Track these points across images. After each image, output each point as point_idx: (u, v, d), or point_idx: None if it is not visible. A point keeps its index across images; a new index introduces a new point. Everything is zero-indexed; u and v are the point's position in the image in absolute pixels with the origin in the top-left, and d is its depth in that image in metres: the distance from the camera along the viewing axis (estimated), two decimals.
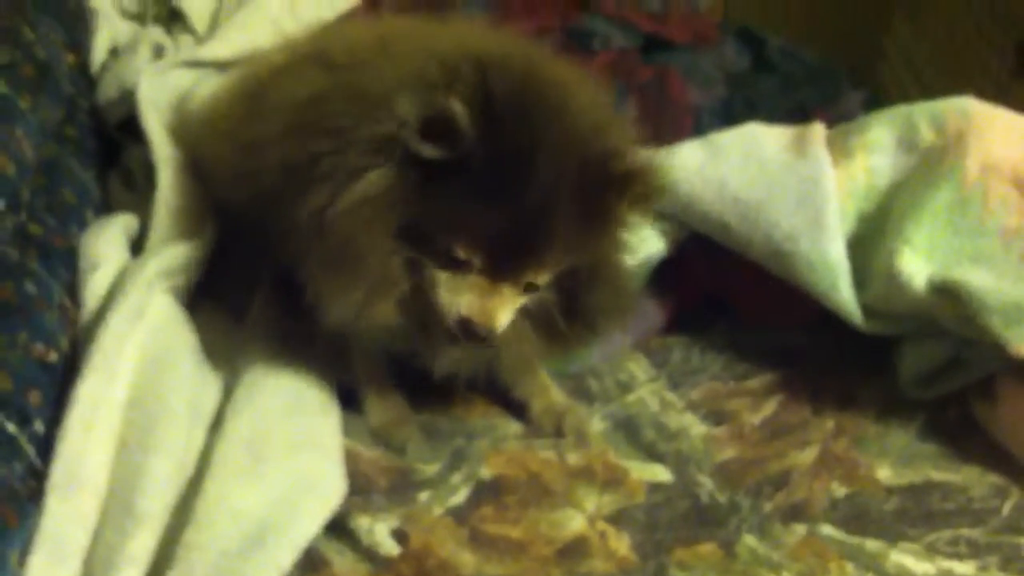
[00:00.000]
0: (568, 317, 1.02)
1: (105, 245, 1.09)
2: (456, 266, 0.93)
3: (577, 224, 0.93)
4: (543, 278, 0.97)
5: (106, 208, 1.24)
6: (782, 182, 1.20)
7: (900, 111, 1.23)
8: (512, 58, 0.94)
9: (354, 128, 0.90)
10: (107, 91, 1.38)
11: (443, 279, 0.94)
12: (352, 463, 1.02)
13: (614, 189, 0.95)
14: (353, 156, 0.90)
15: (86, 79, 1.39)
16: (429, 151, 0.88)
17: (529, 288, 0.97)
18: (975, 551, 0.99)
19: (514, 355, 1.04)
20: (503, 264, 0.93)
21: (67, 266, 1.06)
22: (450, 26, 1.08)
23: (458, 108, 0.86)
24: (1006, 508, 1.04)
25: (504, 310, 0.95)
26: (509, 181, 0.90)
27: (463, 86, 0.89)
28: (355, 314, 0.96)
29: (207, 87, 1.33)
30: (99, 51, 1.44)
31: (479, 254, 0.92)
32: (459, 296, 0.94)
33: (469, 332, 0.94)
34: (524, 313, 1.00)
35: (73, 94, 1.30)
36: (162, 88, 1.33)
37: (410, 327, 0.99)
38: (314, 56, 1.06)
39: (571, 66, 1.02)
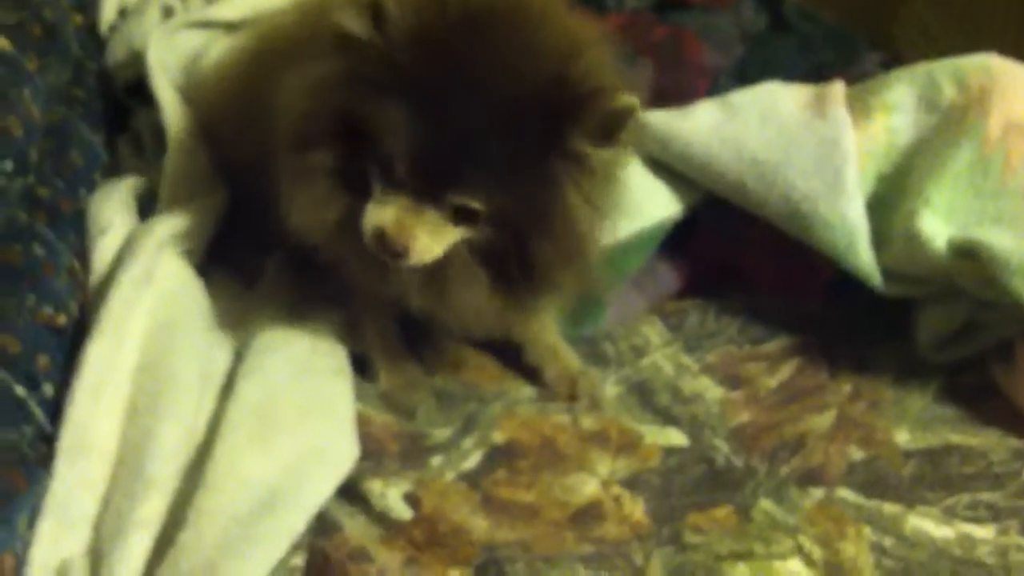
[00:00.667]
0: (521, 267, 0.97)
1: (113, 209, 1.08)
2: (388, 183, 0.92)
3: (516, 151, 0.90)
4: (475, 204, 0.92)
5: (115, 172, 1.24)
6: (800, 142, 1.18)
7: (921, 69, 1.21)
8: None
9: (310, 41, 0.93)
10: (116, 53, 1.37)
11: (374, 194, 0.93)
12: (364, 428, 1.01)
13: (563, 117, 0.89)
14: (307, 61, 0.92)
15: (94, 40, 1.38)
16: (354, 25, 0.88)
17: (462, 218, 0.93)
18: (995, 515, 0.98)
19: (467, 301, 1.00)
20: (428, 182, 0.91)
21: (76, 230, 1.06)
22: None
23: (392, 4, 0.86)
24: None
25: (422, 230, 0.92)
26: (440, 92, 0.88)
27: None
28: (306, 228, 0.96)
29: (217, 49, 1.32)
30: (108, 12, 1.42)
31: (403, 167, 0.90)
32: (380, 208, 0.92)
33: (384, 246, 0.92)
34: (473, 255, 0.97)
35: (81, 56, 1.29)
36: (171, 49, 1.32)
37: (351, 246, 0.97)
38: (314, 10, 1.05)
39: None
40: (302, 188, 0.95)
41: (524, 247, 0.95)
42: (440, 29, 0.88)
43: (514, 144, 0.89)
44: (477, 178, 0.91)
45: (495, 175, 0.91)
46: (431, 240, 0.93)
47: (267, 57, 1.09)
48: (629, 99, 0.89)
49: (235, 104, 1.13)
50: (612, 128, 0.90)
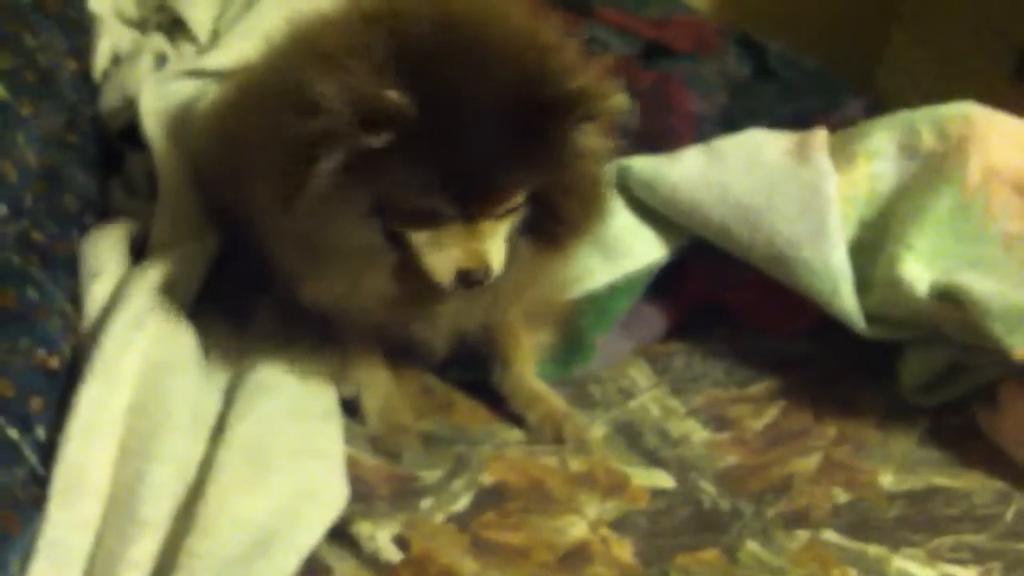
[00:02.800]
0: (553, 223, 1.01)
1: (106, 252, 1.09)
2: (430, 223, 0.94)
3: (532, 148, 0.93)
4: (516, 202, 0.96)
5: (108, 214, 1.24)
6: (784, 188, 1.20)
7: (902, 117, 1.24)
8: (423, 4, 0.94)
9: (290, 124, 0.90)
10: (109, 99, 1.38)
11: (423, 240, 0.95)
12: (354, 470, 1.02)
13: (557, 112, 0.93)
14: (299, 150, 0.90)
15: (88, 86, 1.39)
16: (377, 142, 0.89)
17: (507, 214, 0.97)
18: (978, 557, 0.99)
19: (510, 282, 1.02)
20: (474, 204, 0.93)
21: (69, 273, 1.06)
22: None
23: (393, 96, 0.87)
24: (1009, 514, 1.04)
25: (493, 248, 0.96)
26: (450, 126, 0.90)
27: (377, 60, 0.89)
28: (344, 298, 0.99)
29: (209, 97, 1.34)
30: (101, 59, 1.44)
31: (447, 204, 0.92)
32: (445, 251, 0.95)
33: (469, 281, 0.95)
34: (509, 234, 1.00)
35: (75, 101, 1.30)
36: (164, 97, 1.33)
37: (403, 299, 1.00)
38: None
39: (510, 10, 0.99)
40: (332, 270, 0.97)
41: (554, 208, 1.00)
42: (425, 79, 0.89)
43: (529, 142, 0.93)
44: (514, 182, 0.95)
45: (525, 172, 0.94)
46: (499, 248, 0.97)
47: (243, 108, 1.10)
48: (611, 88, 0.96)
49: (219, 153, 1.14)
50: (604, 114, 0.97)
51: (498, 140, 0.92)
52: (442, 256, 0.95)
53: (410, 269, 0.97)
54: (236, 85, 1.21)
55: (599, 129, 0.99)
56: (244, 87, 1.15)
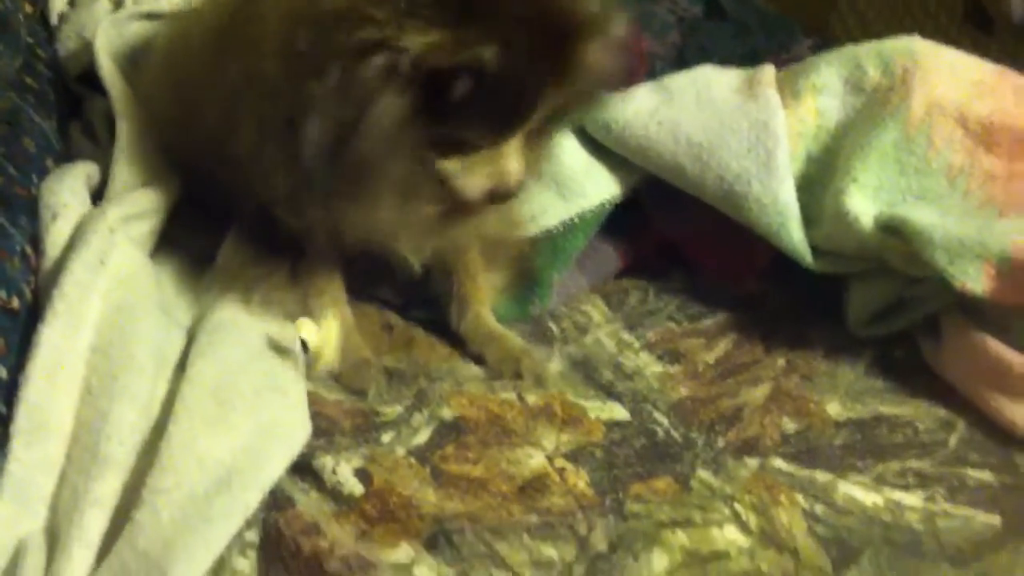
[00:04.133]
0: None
1: (66, 193, 1.09)
2: (461, 151, 0.97)
3: (555, 70, 0.95)
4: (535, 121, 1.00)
5: (68, 159, 1.23)
6: (733, 124, 1.22)
7: (847, 52, 1.26)
8: None
9: (346, 55, 0.89)
10: (66, 42, 1.37)
11: (454, 167, 0.98)
12: (316, 406, 1.04)
13: (575, 32, 0.95)
14: (355, 87, 0.90)
15: (45, 30, 1.38)
16: (462, 88, 0.90)
17: None
18: (922, 481, 1.02)
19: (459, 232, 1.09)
20: (507, 131, 0.97)
21: (29, 215, 1.06)
22: None
23: (489, 54, 0.89)
24: (952, 440, 1.08)
25: (517, 165, 1.00)
26: (500, 63, 0.90)
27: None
28: (391, 231, 1.03)
29: (163, 35, 1.33)
30: (58, 2, 1.42)
31: (485, 134, 0.96)
32: (473, 176, 0.99)
33: (498, 197, 1.00)
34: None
35: (31, 45, 1.29)
36: (121, 38, 1.32)
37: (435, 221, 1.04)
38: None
39: None
40: (383, 203, 0.99)
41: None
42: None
43: (553, 67, 0.95)
44: (543, 105, 0.97)
45: (552, 93, 0.97)
46: (520, 160, 1.00)
47: (201, 43, 1.09)
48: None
49: (178, 91, 1.14)
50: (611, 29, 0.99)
51: (531, 69, 0.93)
52: (471, 180, 0.99)
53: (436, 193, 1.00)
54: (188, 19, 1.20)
55: (607, 49, 1.00)
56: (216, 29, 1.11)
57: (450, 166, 0.98)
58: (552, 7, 0.94)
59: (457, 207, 1.02)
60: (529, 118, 0.98)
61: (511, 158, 0.99)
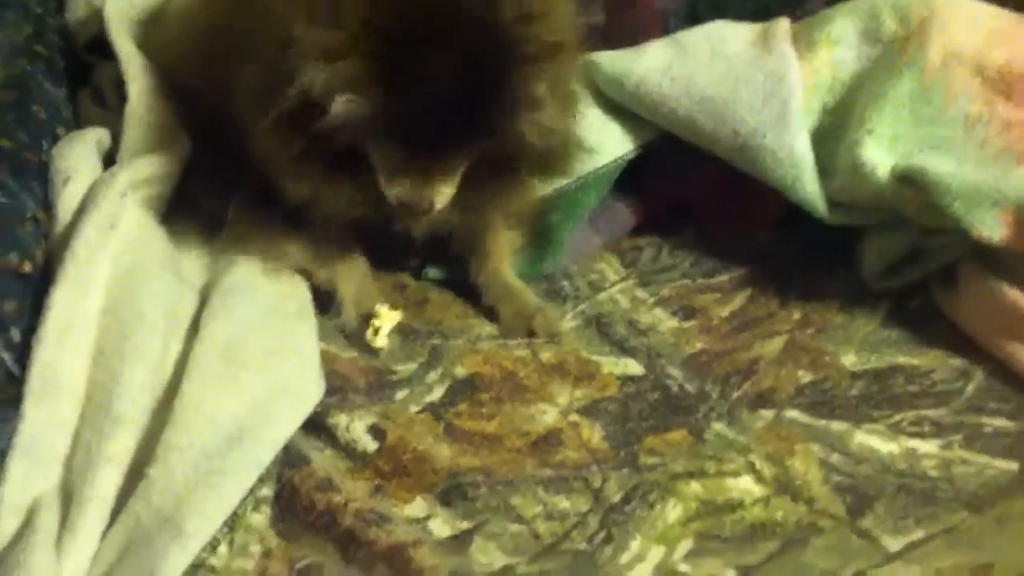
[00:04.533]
0: (514, 166, 1.08)
1: (77, 158, 1.10)
2: (391, 153, 0.99)
3: (491, 97, 0.97)
4: (467, 157, 1.02)
5: (77, 126, 1.24)
6: (748, 78, 1.21)
7: (863, 3, 1.24)
8: None
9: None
10: (75, 10, 1.37)
11: (381, 167, 1.01)
12: (329, 365, 1.05)
13: (510, 62, 0.96)
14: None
15: None
16: (334, 121, 0.95)
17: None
18: (939, 430, 1.02)
19: (472, 215, 1.11)
20: (430, 146, 0.99)
21: (39, 180, 1.07)
22: None
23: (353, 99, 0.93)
24: (969, 389, 1.07)
25: (439, 188, 1.02)
26: (410, 75, 0.94)
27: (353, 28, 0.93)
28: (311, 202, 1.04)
29: (178, 2, 1.33)
30: None
31: (402, 144, 0.98)
32: (395, 182, 1.01)
33: (409, 211, 1.03)
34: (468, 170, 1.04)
35: (41, 12, 1.29)
36: (130, 4, 1.32)
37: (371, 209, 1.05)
38: None
39: None
40: (309, 182, 1.02)
41: (517, 150, 1.04)
42: (392, 38, 0.93)
43: (488, 92, 0.96)
44: (472, 131, 0.99)
45: (485, 122, 0.98)
46: (448, 188, 1.03)
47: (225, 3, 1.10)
48: (559, 21, 0.99)
49: (197, 49, 1.15)
50: (555, 58, 0.99)
51: (459, 91, 0.95)
52: (392, 186, 1.02)
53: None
54: None
55: (558, 76, 1.02)
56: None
57: (380, 164, 1.01)
58: (480, 34, 0.95)
59: (473, 188, 1.05)
60: (462, 139, 1.00)
61: (433, 180, 1.01)
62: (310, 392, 0.99)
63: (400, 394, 1.04)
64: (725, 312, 1.18)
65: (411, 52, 0.93)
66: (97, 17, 1.31)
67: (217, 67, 1.05)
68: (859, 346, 1.13)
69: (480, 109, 0.97)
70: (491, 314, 1.17)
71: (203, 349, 0.96)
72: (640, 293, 1.21)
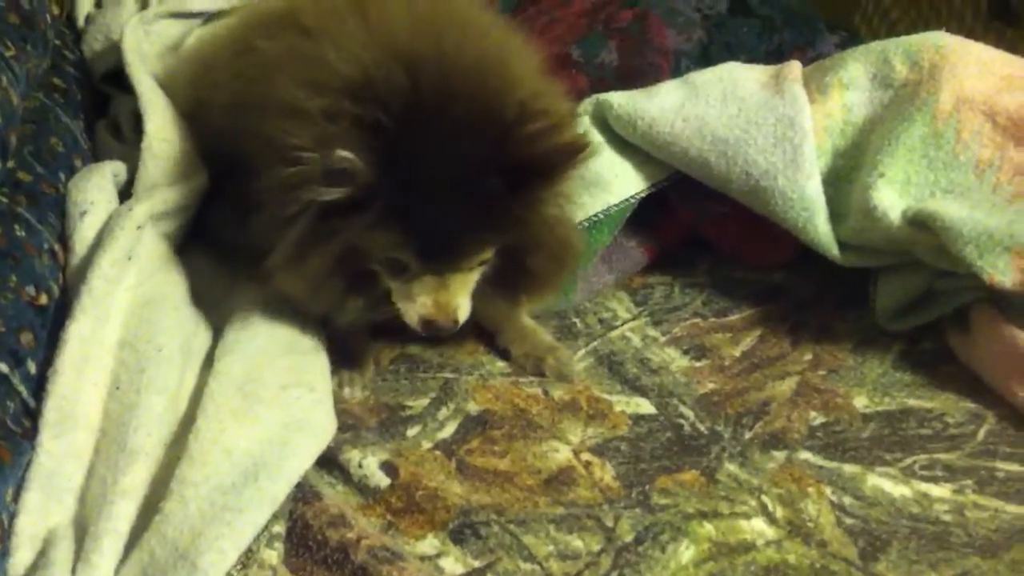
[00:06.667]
0: (518, 277, 1.06)
1: (93, 191, 1.10)
2: (403, 272, 0.99)
3: (498, 208, 0.97)
4: (486, 256, 1.01)
5: (94, 158, 1.25)
6: (760, 120, 1.22)
7: (874, 47, 1.25)
8: (415, 59, 0.96)
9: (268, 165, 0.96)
10: (93, 43, 1.39)
11: (395, 287, 1.01)
12: (342, 403, 1.05)
13: (524, 176, 0.96)
14: (280, 197, 0.96)
15: (72, 31, 1.40)
16: (333, 194, 0.93)
17: (476, 266, 1.01)
18: (951, 474, 1.01)
19: (479, 316, 1.09)
20: (443, 259, 0.98)
21: (56, 212, 1.08)
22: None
23: (348, 157, 0.91)
24: (981, 433, 1.07)
25: (460, 301, 1.01)
26: (417, 189, 0.94)
27: (349, 123, 0.93)
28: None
29: (195, 37, 1.34)
30: (85, 3, 1.44)
31: (416, 258, 0.97)
32: (413, 300, 1.00)
33: (434, 329, 1.01)
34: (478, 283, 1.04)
35: (59, 45, 1.30)
36: (148, 38, 1.34)
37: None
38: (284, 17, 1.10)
39: (487, 48, 1.02)
40: (301, 275, 1.00)
41: (522, 263, 1.04)
42: (397, 145, 0.93)
43: (498, 199, 0.96)
44: (483, 238, 0.99)
45: (495, 228, 0.98)
46: (466, 299, 1.02)
47: (251, 51, 1.11)
48: (581, 139, 0.98)
49: (217, 91, 1.15)
50: (570, 170, 0.99)
51: (464, 202, 0.95)
52: (411, 305, 1.01)
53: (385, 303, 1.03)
54: (234, 32, 1.22)
55: (567, 189, 1.03)
56: (241, 40, 1.16)
57: (392, 284, 1.01)
58: (490, 146, 0.95)
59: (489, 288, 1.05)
60: (466, 254, 0.99)
61: (454, 290, 1.00)
62: (324, 428, 0.99)
63: (412, 430, 1.04)
64: (737, 352, 1.18)
65: (413, 133, 0.94)
66: (114, 49, 1.32)
67: (239, 119, 1.06)
68: (871, 388, 1.13)
69: (493, 215, 0.97)
70: (504, 351, 1.17)
71: (219, 383, 0.97)
72: (652, 331, 1.21)
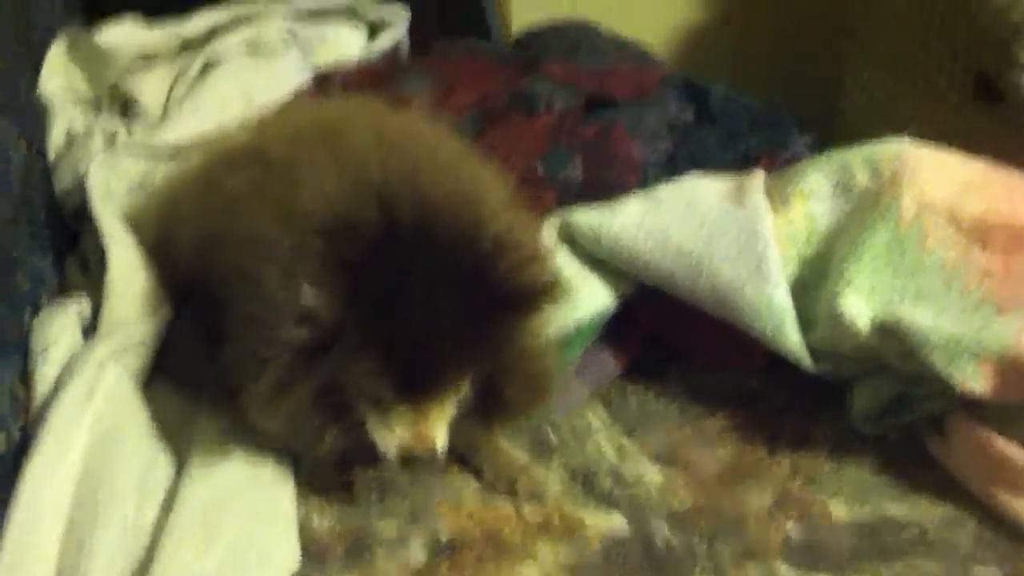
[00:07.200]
0: (492, 406, 1.05)
1: (57, 329, 1.10)
2: (379, 403, 0.98)
3: (475, 337, 0.97)
4: (463, 384, 1.00)
5: (63, 294, 1.25)
6: (722, 231, 1.22)
7: (835, 157, 1.26)
8: (387, 193, 0.96)
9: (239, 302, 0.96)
10: (63, 179, 1.40)
11: (372, 418, 0.99)
12: (306, 533, 1.04)
13: (502, 308, 0.97)
14: (252, 335, 0.94)
15: (42, 168, 1.41)
16: (302, 336, 0.92)
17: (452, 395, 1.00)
18: None
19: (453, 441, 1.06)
20: (420, 389, 0.97)
21: (19, 353, 1.08)
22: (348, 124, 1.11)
23: (314, 295, 0.90)
24: (962, 539, 1.05)
25: (438, 431, 0.99)
26: (392, 322, 0.94)
27: (314, 263, 0.92)
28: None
29: (163, 174, 1.36)
30: (55, 140, 1.46)
31: (392, 390, 0.96)
32: (392, 431, 0.98)
33: (412, 460, 0.99)
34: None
35: (25, 185, 1.31)
36: (114, 174, 1.35)
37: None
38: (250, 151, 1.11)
39: (460, 180, 1.02)
40: (279, 414, 0.98)
41: (496, 391, 1.03)
42: (368, 283, 0.93)
43: (474, 330, 0.96)
44: (461, 368, 0.98)
45: (469, 358, 0.98)
46: (444, 430, 1.00)
47: (217, 185, 1.12)
48: (556, 276, 0.99)
49: (183, 225, 1.16)
50: (545, 301, 0.99)
51: (439, 333, 0.95)
52: (389, 436, 0.99)
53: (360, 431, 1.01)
54: (206, 159, 1.23)
55: (542, 319, 1.03)
56: (208, 175, 1.17)
57: (368, 414, 0.99)
58: (469, 277, 0.95)
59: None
60: (444, 384, 0.98)
61: (431, 420, 0.99)
62: (288, 559, 0.98)
63: (380, 555, 1.03)
64: (713, 463, 1.17)
65: (386, 269, 0.93)
66: (81, 185, 1.33)
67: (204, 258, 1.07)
68: (849, 495, 1.11)
69: (468, 345, 0.97)
70: (477, 471, 1.16)
71: (179, 515, 0.96)
72: (626, 442, 1.20)
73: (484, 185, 1.05)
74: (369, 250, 0.93)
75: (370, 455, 1.02)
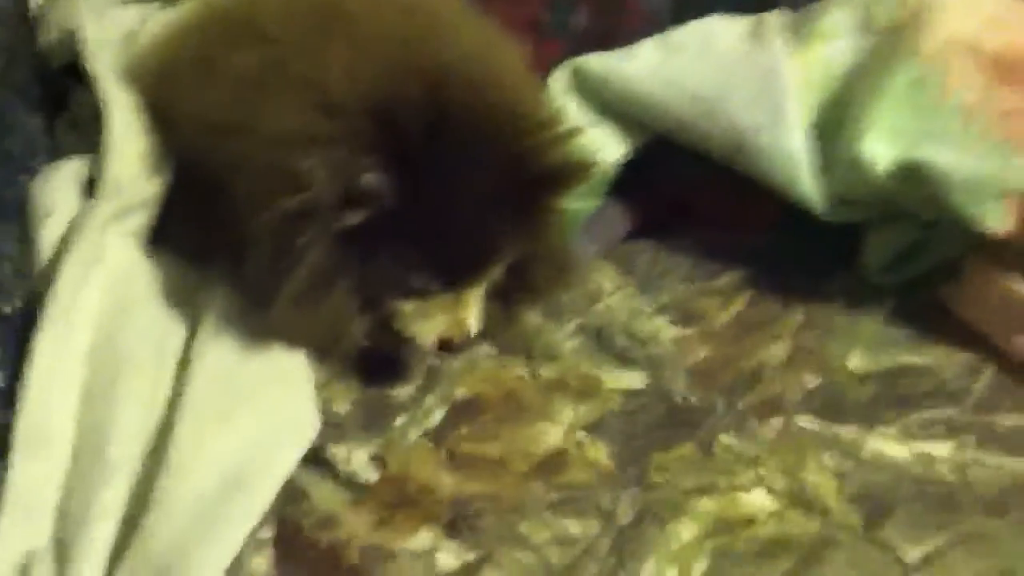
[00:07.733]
0: (519, 286, 1.05)
1: (56, 192, 1.06)
2: (415, 294, 0.96)
3: (514, 221, 0.95)
4: (498, 270, 0.99)
5: (56, 155, 1.20)
6: (739, 75, 1.18)
7: None
8: (424, 74, 0.92)
9: (272, 195, 0.89)
10: (47, 34, 1.33)
11: (408, 310, 0.98)
12: (325, 395, 1.03)
13: (540, 187, 0.96)
14: (282, 225, 0.89)
15: (26, 24, 1.34)
16: (354, 218, 0.89)
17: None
18: (951, 431, 1.00)
19: None
20: (464, 277, 0.96)
21: (17, 217, 1.04)
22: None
23: (372, 179, 0.88)
24: (980, 386, 1.05)
25: (472, 316, 0.99)
26: (436, 209, 0.91)
27: (368, 141, 0.89)
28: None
29: (154, 23, 1.29)
30: None
31: (433, 280, 0.95)
32: (429, 321, 0.98)
33: (448, 347, 0.99)
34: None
35: (13, 40, 1.25)
36: (106, 27, 1.28)
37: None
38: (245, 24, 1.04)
39: (487, 56, 0.99)
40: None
41: (525, 274, 1.03)
42: (418, 165, 0.90)
43: (514, 216, 0.95)
44: (497, 257, 0.97)
45: (509, 245, 0.97)
46: (477, 312, 1.00)
47: (213, 64, 1.05)
48: (586, 161, 0.97)
49: (181, 109, 1.09)
50: (581, 177, 0.98)
51: (484, 218, 0.93)
52: (426, 325, 0.98)
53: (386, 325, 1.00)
54: (197, 27, 1.16)
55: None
56: (205, 44, 1.10)
57: (406, 307, 0.98)
58: (507, 160, 0.93)
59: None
60: (486, 270, 0.97)
61: (467, 309, 0.98)
62: (307, 423, 0.96)
63: (399, 420, 1.02)
64: (727, 317, 1.16)
65: (433, 154, 0.90)
66: (68, 40, 1.27)
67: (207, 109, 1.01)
68: (864, 347, 1.10)
69: (510, 229, 0.96)
70: (488, 334, 1.14)
71: (195, 386, 0.93)
72: (638, 301, 1.18)
73: (505, 57, 1.01)
74: (419, 133, 0.90)
75: (392, 343, 1.01)
